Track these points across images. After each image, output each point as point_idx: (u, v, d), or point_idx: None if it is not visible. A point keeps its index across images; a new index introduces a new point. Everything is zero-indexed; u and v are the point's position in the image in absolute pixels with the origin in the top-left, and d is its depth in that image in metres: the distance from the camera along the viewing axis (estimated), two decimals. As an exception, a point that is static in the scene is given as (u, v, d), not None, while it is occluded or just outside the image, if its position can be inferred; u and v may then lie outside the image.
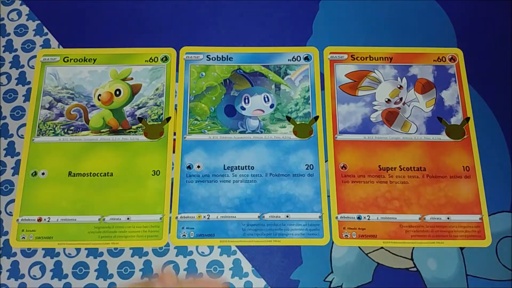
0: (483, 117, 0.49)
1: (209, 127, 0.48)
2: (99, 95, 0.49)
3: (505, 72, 0.51)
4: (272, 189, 0.46)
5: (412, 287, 0.40)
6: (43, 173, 0.46)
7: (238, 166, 0.46)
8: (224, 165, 0.46)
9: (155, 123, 0.48)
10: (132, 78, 0.50)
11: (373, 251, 0.44)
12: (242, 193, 0.45)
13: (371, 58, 0.50)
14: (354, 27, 0.52)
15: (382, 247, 0.44)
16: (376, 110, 0.49)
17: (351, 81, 0.50)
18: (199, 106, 0.49)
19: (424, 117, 0.48)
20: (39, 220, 0.44)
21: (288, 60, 0.50)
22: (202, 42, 0.51)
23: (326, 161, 0.47)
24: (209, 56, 0.51)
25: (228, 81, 0.50)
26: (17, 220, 0.44)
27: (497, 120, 0.49)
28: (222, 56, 0.50)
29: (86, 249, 0.44)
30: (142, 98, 0.49)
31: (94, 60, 0.50)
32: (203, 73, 0.50)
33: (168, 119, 0.48)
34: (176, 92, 0.49)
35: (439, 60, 0.51)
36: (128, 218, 0.44)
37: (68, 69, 0.50)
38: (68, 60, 0.50)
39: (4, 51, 0.51)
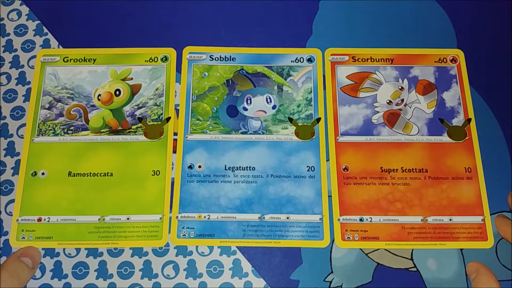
0: (484, 118, 0.49)
1: (211, 127, 0.48)
2: (99, 95, 0.49)
3: (506, 73, 0.51)
4: (273, 190, 0.46)
5: (412, 287, 0.40)
6: (43, 173, 0.46)
7: (239, 167, 0.46)
8: (225, 166, 0.46)
9: (155, 123, 0.48)
10: (132, 78, 0.49)
11: (373, 251, 0.44)
12: (243, 194, 0.45)
13: (372, 60, 0.50)
14: (354, 28, 0.52)
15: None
16: (378, 112, 0.49)
17: (352, 82, 0.50)
18: (201, 106, 0.48)
19: (426, 118, 0.48)
20: (39, 220, 0.44)
21: (291, 61, 0.50)
22: (205, 42, 0.51)
23: (327, 161, 0.47)
24: (212, 56, 0.50)
25: (230, 81, 0.50)
26: (17, 220, 0.44)
27: (497, 121, 0.49)
28: (225, 56, 0.50)
29: (86, 249, 0.44)
30: (142, 98, 0.49)
31: (94, 60, 0.50)
32: (206, 73, 0.50)
33: (168, 119, 0.48)
34: (176, 92, 0.49)
35: (440, 61, 0.51)
36: (128, 218, 0.44)
37: (68, 69, 0.50)
38: (68, 60, 0.50)
39: (4, 51, 0.51)
